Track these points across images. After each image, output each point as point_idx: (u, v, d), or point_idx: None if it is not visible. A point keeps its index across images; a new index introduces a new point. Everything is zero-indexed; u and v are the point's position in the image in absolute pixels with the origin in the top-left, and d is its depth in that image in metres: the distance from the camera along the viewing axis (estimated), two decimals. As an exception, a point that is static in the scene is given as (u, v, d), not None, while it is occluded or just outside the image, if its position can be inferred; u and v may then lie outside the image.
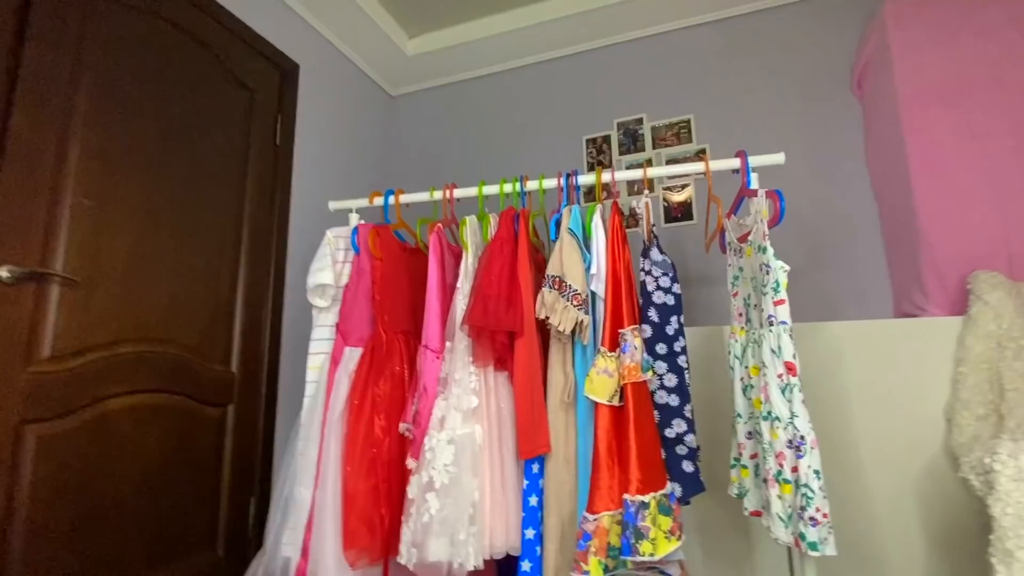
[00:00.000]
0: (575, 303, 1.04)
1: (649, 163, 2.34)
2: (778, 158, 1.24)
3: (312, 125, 2.22)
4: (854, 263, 1.99)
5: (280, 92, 2.11)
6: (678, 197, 2.27)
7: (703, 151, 2.26)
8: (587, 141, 2.46)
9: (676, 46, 2.39)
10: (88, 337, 1.40)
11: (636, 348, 1.03)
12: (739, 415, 1.20)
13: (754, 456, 1.18)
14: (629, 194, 2.34)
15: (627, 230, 1.17)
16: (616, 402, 1.01)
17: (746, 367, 1.19)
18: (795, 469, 1.00)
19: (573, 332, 1.06)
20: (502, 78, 2.64)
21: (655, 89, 2.39)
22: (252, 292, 1.89)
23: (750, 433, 1.18)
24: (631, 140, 2.39)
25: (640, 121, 2.39)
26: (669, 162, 2.30)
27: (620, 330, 1.04)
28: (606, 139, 2.44)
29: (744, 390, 1.19)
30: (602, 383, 1.01)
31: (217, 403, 1.77)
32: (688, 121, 2.32)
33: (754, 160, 1.23)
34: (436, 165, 2.67)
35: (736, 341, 1.22)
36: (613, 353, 1.03)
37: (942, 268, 1.70)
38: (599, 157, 2.43)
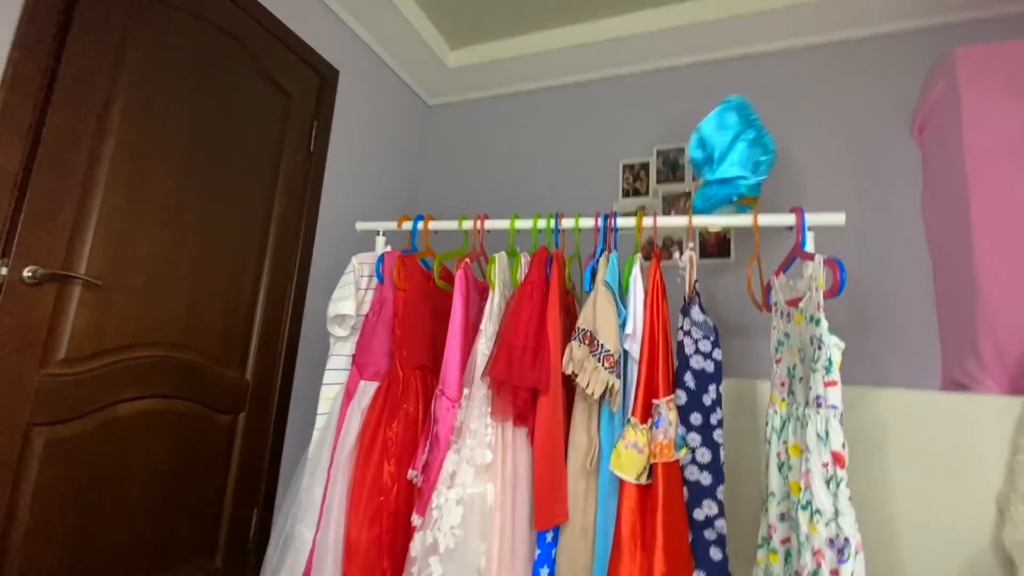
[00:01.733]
0: (607, 364, 0.97)
1: (688, 196, 2.25)
2: (838, 219, 1.14)
3: (347, 132, 2.19)
4: (902, 321, 1.86)
5: (318, 98, 2.08)
6: (714, 229, 2.17)
7: (748, 187, 2.16)
8: (624, 167, 2.38)
9: (726, 75, 2.29)
10: (105, 340, 1.38)
11: (671, 423, 0.95)
12: (772, 494, 1.10)
13: (785, 541, 1.09)
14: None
15: (661, 263, 1.08)
16: (644, 480, 0.94)
17: (784, 442, 1.09)
18: (835, 573, 0.91)
19: (602, 395, 0.99)
20: (542, 96, 2.58)
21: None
22: (273, 300, 1.87)
23: (783, 515, 1.09)
24: (670, 169, 2.30)
25: (682, 151, 2.30)
26: (710, 196, 2.21)
27: (654, 400, 0.97)
28: (644, 166, 2.35)
29: (780, 467, 1.10)
30: (630, 459, 0.93)
31: (229, 410, 1.74)
32: (734, 154, 2.21)
33: (811, 219, 1.14)
34: (468, 179, 2.62)
35: (776, 413, 1.13)
36: (644, 425, 0.95)
37: (1001, 339, 1.57)
38: (635, 184, 2.35)
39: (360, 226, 1.44)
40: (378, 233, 1.40)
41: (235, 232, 1.74)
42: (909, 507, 1.39)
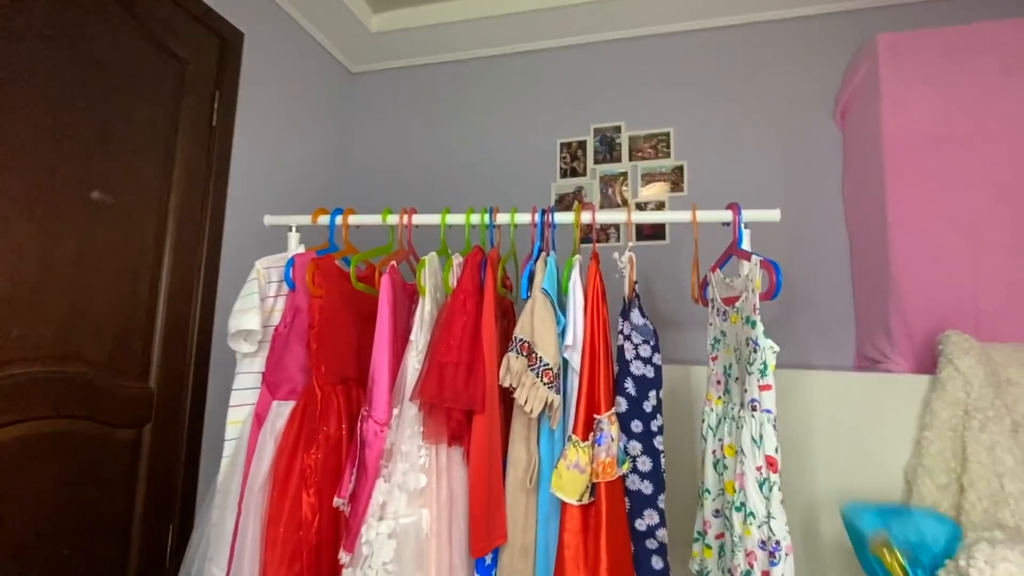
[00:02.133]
0: (546, 379, 0.91)
1: (624, 176, 2.22)
2: (773, 215, 1.13)
3: (257, 103, 1.95)
4: (819, 298, 1.95)
5: (220, 64, 1.83)
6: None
7: (680, 168, 2.16)
8: (562, 145, 2.30)
9: (661, 51, 2.24)
10: (-39, 361, 1.17)
11: (613, 439, 0.91)
12: (707, 490, 1.11)
13: (719, 536, 1.11)
14: (601, 205, 2.21)
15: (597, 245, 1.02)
16: (586, 500, 0.90)
17: (720, 440, 1.10)
18: (766, 574, 0.93)
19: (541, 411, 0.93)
20: (474, 66, 2.43)
21: (636, 96, 2.25)
22: (177, 299, 1.66)
23: (717, 511, 1.11)
24: (607, 148, 2.25)
25: (618, 129, 2.25)
26: (644, 175, 2.19)
27: (595, 415, 0.92)
28: (582, 145, 2.28)
29: (715, 464, 1.11)
30: (572, 480, 0.89)
31: (130, 424, 1.56)
32: (668, 134, 2.19)
33: (747, 215, 1.12)
34: (397, 155, 2.44)
35: (712, 411, 1.13)
36: (586, 443, 0.91)
37: (910, 319, 1.67)
38: (573, 164, 2.29)
39: (269, 220, 1.28)
40: (290, 228, 1.25)
41: (124, 222, 1.51)
42: (828, 481, 1.47)
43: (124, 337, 1.53)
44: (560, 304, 1.01)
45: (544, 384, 0.90)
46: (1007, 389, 1.42)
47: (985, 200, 1.63)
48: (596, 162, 2.26)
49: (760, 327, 0.97)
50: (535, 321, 0.95)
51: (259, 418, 1.02)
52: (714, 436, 1.11)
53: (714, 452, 1.11)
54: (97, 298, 1.44)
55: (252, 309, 1.01)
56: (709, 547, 1.10)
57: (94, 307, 1.43)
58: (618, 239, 2.14)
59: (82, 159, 1.40)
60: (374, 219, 1.24)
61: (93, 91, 1.42)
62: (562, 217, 1.17)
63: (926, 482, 1.36)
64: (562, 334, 0.98)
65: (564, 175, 2.29)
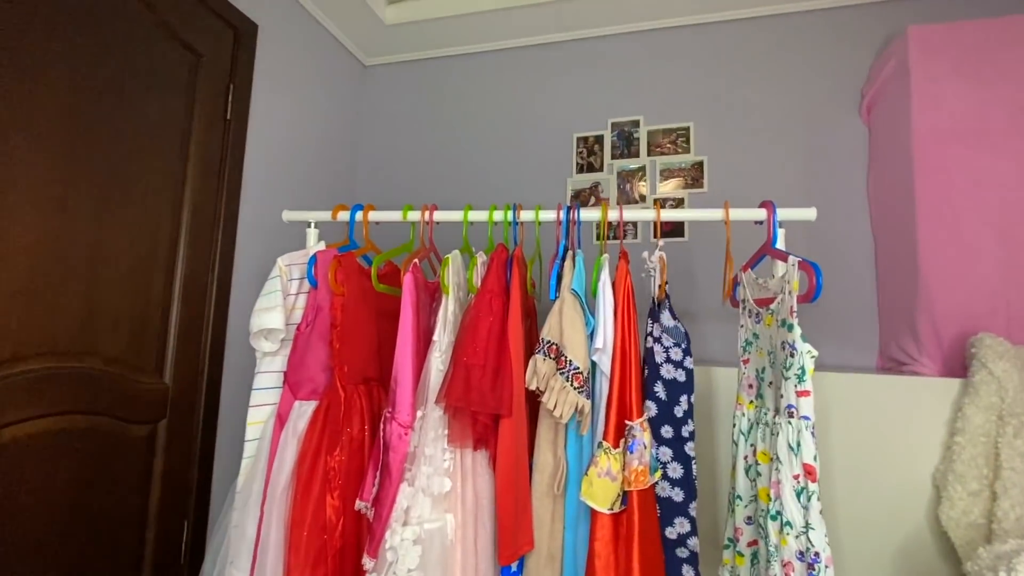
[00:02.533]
0: (576, 384, 0.88)
1: (642, 171, 2.17)
2: (809, 213, 1.09)
3: (271, 96, 1.92)
4: (840, 297, 1.90)
5: (234, 57, 1.80)
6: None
7: (700, 164, 2.11)
8: (578, 139, 2.26)
9: (681, 44, 2.19)
10: (-24, 356, 1.15)
11: (645, 446, 0.88)
12: (739, 497, 1.09)
13: (752, 544, 1.08)
14: (618, 201, 2.17)
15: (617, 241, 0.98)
16: (617, 508, 0.87)
17: (752, 446, 1.07)
18: (805, 585, 0.90)
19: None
20: (490, 58, 2.38)
21: (655, 90, 2.20)
22: (191, 295, 1.64)
23: (749, 518, 1.08)
24: (625, 144, 2.21)
25: (636, 124, 2.21)
26: (663, 171, 2.15)
27: (627, 422, 0.89)
28: (599, 139, 2.24)
29: (747, 471, 1.08)
30: (603, 488, 0.86)
31: (145, 420, 1.54)
32: (687, 129, 2.15)
33: (783, 213, 1.08)
34: (413, 149, 2.41)
35: (743, 415, 1.10)
36: (617, 450, 0.88)
37: (939, 321, 1.63)
38: (589, 159, 2.24)
39: (287, 216, 1.25)
40: (309, 225, 1.22)
41: (139, 216, 1.49)
42: (851, 486, 1.44)
43: (139, 332, 1.51)
44: (588, 306, 0.97)
45: (575, 389, 0.88)
46: (1042, 394, 1.38)
47: (1017, 199, 1.58)
48: (613, 157, 2.22)
49: (798, 330, 0.94)
50: (564, 323, 0.92)
51: (281, 419, 1.00)
52: (746, 441, 1.08)
53: (746, 458, 1.08)
54: (113, 293, 1.42)
55: (275, 307, 0.99)
56: (741, 555, 1.08)
57: (110, 302, 1.41)
58: (636, 236, 2.11)
59: (97, 152, 1.38)
60: (394, 215, 1.21)
61: (109, 84, 1.40)
62: (588, 214, 1.14)
63: (957, 488, 1.32)
64: (591, 336, 0.94)
65: (580, 170, 2.25)
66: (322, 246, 1.15)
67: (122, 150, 1.44)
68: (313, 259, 1.05)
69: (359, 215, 1.20)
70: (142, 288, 1.51)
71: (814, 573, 0.88)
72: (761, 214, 1.09)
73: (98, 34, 1.37)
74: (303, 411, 1.00)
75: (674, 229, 2.08)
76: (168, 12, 1.56)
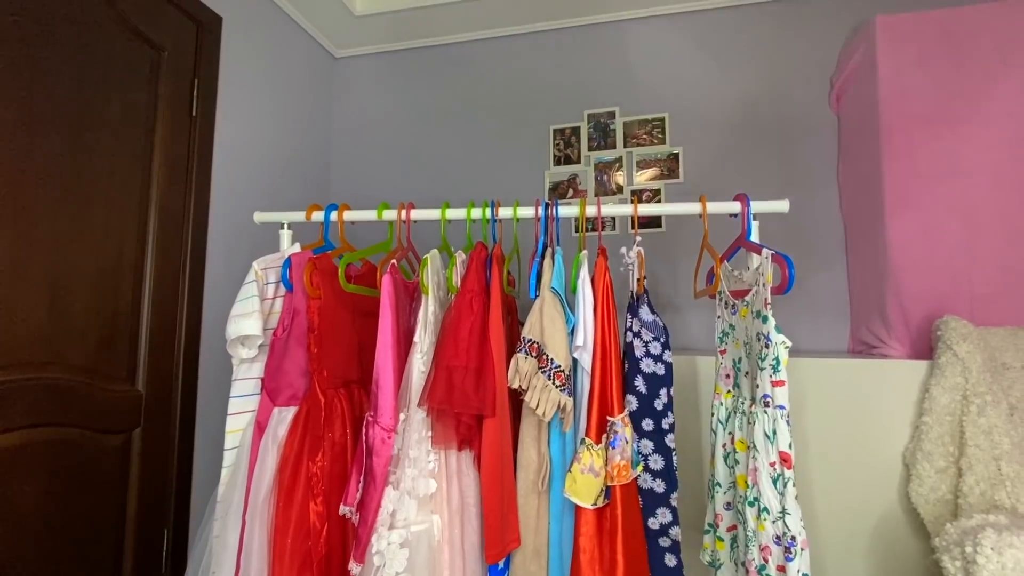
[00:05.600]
0: (557, 382, 0.88)
1: (620, 162, 2.18)
2: (782, 206, 1.11)
3: (238, 91, 1.87)
4: (812, 283, 1.95)
5: (197, 50, 1.74)
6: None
7: (676, 155, 2.13)
8: (555, 131, 2.25)
9: (655, 34, 2.19)
10: (-67, 374, 1.11)
11: (627, 441, 0.89)
12: (719, 484, 1.11)
13: (731, 529, 1.11)
14: (596, 193, 2.18)
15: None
16: (600, 503, 0.89)
17: (730, 434, 1.09)
18: (781, 568, 0.93)
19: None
20: (464, 49, 2.35)
21: (630, 80, 2.20)
22: (162, 298, 1.60)
23: (728, 504, 1.11)
24: (602, 135, 2.21)
25: (612, 115, 2.21)
26: (640, 162, 2.16)
27: (608, 417, 0.90)
28: (575, 131, 2.24)
29: (725, 458, 1.11)
30: (586, 484, 0.87)
31: (119, 429, 1.51)
32: (663, 120, 2.16)
33: (756, 206, 1.10)
34: (383, 143, 2.37)
35: (721, 404, 1.12)
36: (599, 446, 0.89)
37: (907, 304, 1.68)
38: (567, 151, 2.24)
39: (259, 218, 1.22)
40: (282, 226, 1.20)
41: (103, 219, 1.44)
42: (825, 467, 1.49)
43: (108, 339, 1.47)
44: (569, 302, 0.98)
45: (556, 387, 0.88)
46: (1003, 373, 1.44)
47: (980, 184, 1.64)
48: (590, 148, 2.22)
49: (772, 322, 0.96)
50: (544, 321, 0.92)
51: (260, 426, 0.98)
52: (724, 430, 1.11)
53: (724, 446, 1.10)
54: (77, 299, 1.38)
55: (252, 313, 0.97)
56: (721, 539, 1.11)
57: (74, 309, 1.37)
58: (614, 228, 2.12)
59: (55, 153, 1.32)
60: (369, 215, 1.19)
61: (65, 80, 1.34)
62: (566, 210, 1.14)
63: (925, 466, 1.38)
64: (571, 333, 0.95)
65: (558, 162, 2.25)
66: (297, 248, 1.12)
67: (83, 149, 1.38)
68: (288, 262, 1.03)
69: (334, 215, 1.17)
70: (109, 293, 1.46)
71: (791, 556, 0.91)
72: (735, 207, 1.10)
73: (53, 30, 1.31)
74: (283, 417, 0.99)
75: (652, 220, 2.10)
76: (127, 5, 1.50)
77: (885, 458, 1.46)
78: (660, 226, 2.09)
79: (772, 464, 0.95)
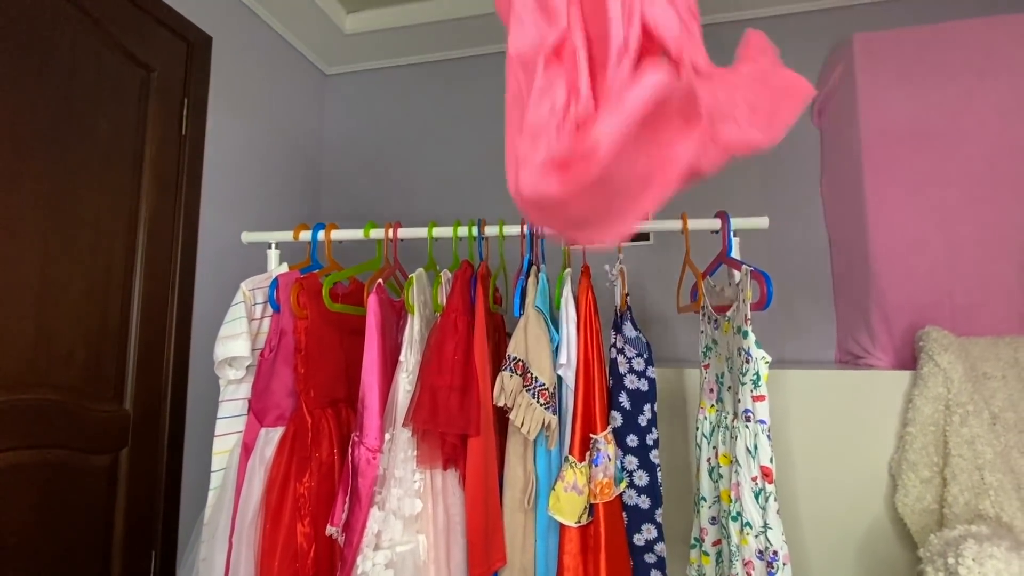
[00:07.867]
0: (542, 400, 0.90)
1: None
2: (761, 222, 1.13)
3: (228, 110, 1.88)
4: (798, 295, 1.97)
5: (187, 70, 1.76)
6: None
7: (663, 168, 2.15)
8: (544, 146, 2.27)
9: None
10: (-84, 395, 1.10)
11: (610, 459, 0.90)
12: (703, 498, 1.12)
13: (716, 543, 1.12)
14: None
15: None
16: (584, 521, 0.89)
17: (714, 448, 1.11)
18: (766, 583, 0.94)
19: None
20: (453, 67, 2.38)
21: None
22: (150, 317, 1.60)
23: (713, 519, 1.12)
24: (590, 149, 2.23)
25: (600, 129, 2.23)
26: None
27: (592, 435, 0.91)
28: (564, 146, 2.26)
29: (710, 472, 1.12)
30: (570, 502, 0.88)
31: (106, 449, 1.50)
32: (650, 134, 2.18)
33: (736, 223, 1.12)
34: (373, 160, 2.39)
35: (705, 419, 1.14)
36: (583, 464, 0.90)
37: (890, 315, 1.70)
38: (556, 165, 2.26)
39: (247, 238, 1.23)
40: (270, 246, 1.21)
41: (90, 239, 1.45)
42: (812, 477, 1.50)
43: (96, 359, 1.46)
44: (553, 320, 0.99)
45: (541, 405, 0.89)
46: (985, 383, 1.46)
47: (959, 197, 1.67)
48: (578, 163, 2.24)
49: (752, 337, 0.98)
50: (529, 339, 0.93)
51: (247, 447, 0.98)
52: (708, 444, 1.12)
53: (709, 460, 1.11)
54: (65, 319, 1.38)
55: (240, 335, 0.97)
56: (707, 554, 1.11)
57: (62, 329, 1.37)
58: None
59: (43, 173, 1.33)
60: (356, 234, 1.20)
61: (53, 101, 1.35)
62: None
63: (910, 476, 1.39)
64: (556, 351, 0.96)
65: (546, 177, 2.26)
66: (284, 268, 1.13)
67: (71, 170, 1.39)
68: (275, 282, 1.04)
69: (321, 234, 1.19)
70: (96, 313, 1.46)
71: (773, 571, 0.92)
72: (716, 224, 1.12)
73: (39, 48, 1.32)
74: (270, 438, 0.99)
75: (639, 234, 2.12)
76: (115, 26, 1.52)
77: (872, 468, 1.48)
78: (648, 238, 2.11)
79: (754, 479, 0.96)
